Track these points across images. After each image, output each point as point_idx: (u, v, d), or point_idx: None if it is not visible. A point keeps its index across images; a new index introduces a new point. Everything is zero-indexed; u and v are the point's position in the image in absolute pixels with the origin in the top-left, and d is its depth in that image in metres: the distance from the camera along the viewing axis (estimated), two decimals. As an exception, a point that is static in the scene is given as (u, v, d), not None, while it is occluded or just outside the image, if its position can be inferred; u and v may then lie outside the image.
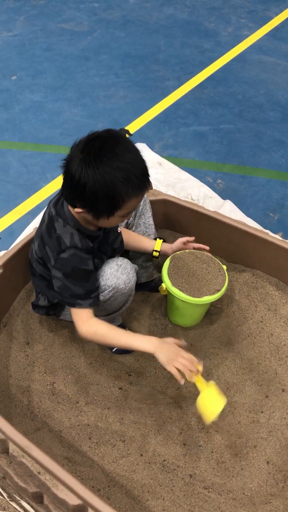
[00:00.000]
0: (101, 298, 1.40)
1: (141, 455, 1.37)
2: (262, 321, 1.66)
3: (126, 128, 2.66)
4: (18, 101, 2.85)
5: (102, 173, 1.13)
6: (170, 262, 1.58)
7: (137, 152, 1.19)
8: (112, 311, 1.48)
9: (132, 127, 2.67)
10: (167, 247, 1.63)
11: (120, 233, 1.51)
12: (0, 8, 3.70)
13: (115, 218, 1.23)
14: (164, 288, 1.54)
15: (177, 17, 3.67)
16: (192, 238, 1.62)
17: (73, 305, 1.31)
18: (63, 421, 1.44)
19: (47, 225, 1.34)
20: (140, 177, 1.18)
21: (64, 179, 1.23)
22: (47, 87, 2.96)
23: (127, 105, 2.84)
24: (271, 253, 1.68)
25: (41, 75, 3.06)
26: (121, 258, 1.43)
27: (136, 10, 3.73)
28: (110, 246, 1.45)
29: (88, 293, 1.31)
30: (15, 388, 1.50)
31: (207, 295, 1.50)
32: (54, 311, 1.56)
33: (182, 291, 1.50)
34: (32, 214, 2.17)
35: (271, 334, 1.63)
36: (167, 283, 1.53)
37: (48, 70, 3.11)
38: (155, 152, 2.44)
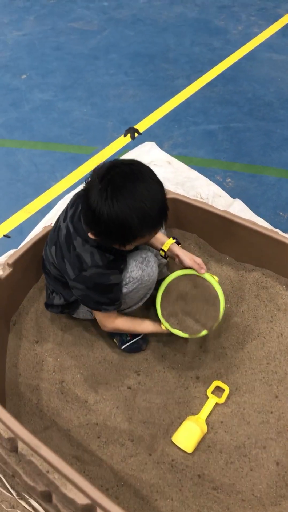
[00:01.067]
0: (124, 290, 1.41)
1: (150, 455, 1.37)
2: (271, 321, 1.65)
3: (136, 127, 2.65)
4: (28, 100, 2.85)
5: (117, 211, 1.11)
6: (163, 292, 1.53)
7: (157, 189, 1.16)
8: (132, 304, 1.49)
9: (142, 126, 2.67)
10: (179, 252, 1.52)
11: None
12: (10, 8, 3.71)
13: (125, 248, 1.24)
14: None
15: (187, 15, 3.65)
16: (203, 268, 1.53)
17: (99, 310, 1.37)
18: (72, 420, 1.44)
19: (66, 239, 1.33)
20: (155, 217, 1.16)
21: (82, 203, 1.22)
22: (57, 86, 2.97)
23: (136, 103, 2.84)
24: (281, 253, 1.67)
25: (51, 74, 3.06)
26: (145, 251, 1.44)
27: (146, 9, 3.72)
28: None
29: (113, 301, 1.36)
30: (24, 387, 1.50)
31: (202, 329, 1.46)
32: (68, 309, 1.56)
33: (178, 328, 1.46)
34: (41, 213, 2.17)
35: (281, 334, 1.62)
36: (162, 322, 1.47)
37: (58, 69, 3.11)
38: (164, 150, 2.44)
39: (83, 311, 1.55)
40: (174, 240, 1.54)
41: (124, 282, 1.39)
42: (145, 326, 1.50)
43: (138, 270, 1.39)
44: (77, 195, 1.38)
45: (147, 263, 1.41)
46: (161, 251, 1.54)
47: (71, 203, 1.39)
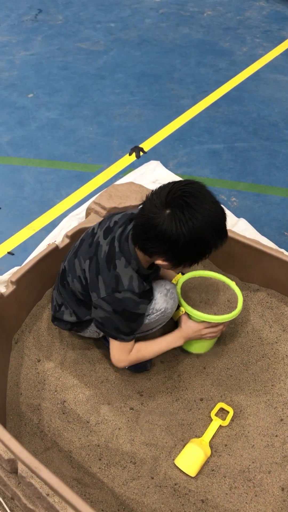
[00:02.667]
0: (146, 321, 1.41)
1: (152, 478, 1.34)
2: (277, 342, 1.63)
3: (141, 146, 2.67)
4: (35, 119, 2.88)
5: (196, 230, 1.16)
6: (181, 287, 1.57)
7: (218, 203, 1.21)
8: (147, 330, 1.49)
9: (147, 145, 2.68)
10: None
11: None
12: (19, 28, 3.77)
13: (192, 265, 1.28)
14: (182, 311, 1.50)
15: (193, 37, 3.70)
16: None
17: (115, 338, 1.35)
18: (73, 441, 1.41)
19: (108, 257, 1.32)
20: (223, 228, 1.23)
21: (143, 232, 1.22)
22: (63, 105, 3.00)
23: (142, 123, 2.86)
24: (286, 273, 1.66)
25: (57, 93, 3.10)
26: (168, 282, 1.46)
27: (152, 30, 3.77)
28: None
29: (132, 332, 1.35)
30: (25, 406, 1.48)
31: (227, 313, 1.48)
32: (77, 327, 1.54)
33: (202, 311, 1.47)
34: (46, 230, 2.17)
35: (286, 355, 1.60)
36: (186, 307, 1.48)
37: (64, 88, 3.15)
38: (169, 169, 2.45)
39: (90, 330, 1.54)
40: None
41: (147, 313, 1.40)
42: (159, 342, 1.45)
43: (163, 303, 1.41)
44: (128, 218, 1.37)
45: (171, 295, 1.43)
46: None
47: (120, 222, 1.37)
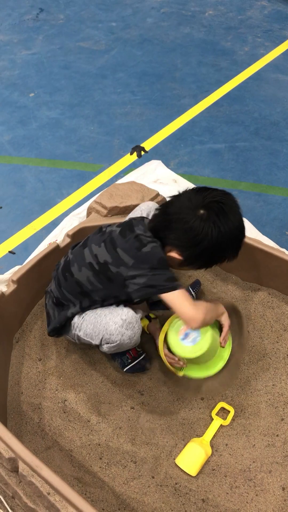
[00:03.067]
0: (105, 349, 1.38)
1: (153, 477, 1.34)
2: (277, 342, 1.63)
3: (142, 145, 2.67)
4: (36, 118, 2.88)
5: (224, 238, 1.24)
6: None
7: (243, 221, 1.30)
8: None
9: (148, 144, 2.68)
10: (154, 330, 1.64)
11: None
12: (20, 28, 3.77)
13: (197, 269, 1.35)
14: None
15: (194, 36, 3.70)
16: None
17: (175, 288, 1.26)
18: (74, 440, 1.41)
19: (122, 231, 1.35)
20: (241, 246, 1.32)
21: (169, 222, 1.28)
22: (64, 104, 3.00)
23: (143, 122, 2.86)
24: (287, 272, 1.66)
25: (59, 92, 3.10)
26: (126, 310, 1.36)
27: (153, 29, 3.77)
28: None
29: (175, 276, 1.31)
30: (26, 405, 1.48)
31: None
32: (59, 332, 1.51)
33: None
34: (47, 229, 2.17)
35: (287, 355, 1.59)
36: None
37: (66, 87, 3.15)
38: (170, 169, 2.44)
39: (69, 335, 1.49)
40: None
41: (103, 341, 1.36)
42: (215, 307, 1.40)
43: (118, 335, 1.33)
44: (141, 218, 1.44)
45: (127, 326, 1.34)
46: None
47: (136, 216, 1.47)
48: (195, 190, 1.30)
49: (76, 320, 1.43)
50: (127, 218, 1.49)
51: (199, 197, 1.26)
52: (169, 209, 1.30)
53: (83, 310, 1.43)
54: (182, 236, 1.26)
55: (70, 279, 1.42)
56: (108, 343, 1.36)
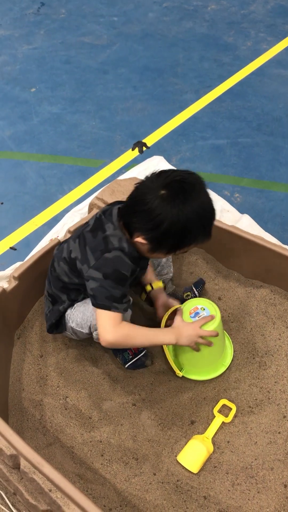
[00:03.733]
0: (95, 337, 1.41)
1: (154, 474, 1.34)
2: (279, 339, 1.63)
3: (144, 141, 2.66)
4: (37, 113, 2.87)
5: (185, 218, 1.18)
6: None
7: (212, 201, 1.24)
8: None
9: (150, 140, 2.67)
10: (160, 296, 1.59)
11: (148, 261, 1.51)
12: (21, 22, 3.75)
13: (170, 254, 1.29)
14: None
15: (196, 31, 3.68)
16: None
17: (108, 308, 1.26)
18: (76, 437, 1.41)
19: (93, 228, 1.34)
20: (210, 228, 1.25)
21: (133, 206, 1.25)
22: (66, 99, 2.98)
23: (145, 117, 2.84)
24: (289, 269, 1.65)
25: (60, 88, 3.08)
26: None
27: (155, 24, 3.75)
28: (139, 273, 1.44)
29: (123, 296, 1.29)
30: (28, 402, 1.48)
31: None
32: (57, 328, 1.53)
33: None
34: (48, 225, 2.17)
35: (289, 352, 1.59)
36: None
37: (67, 82, 3.13)
38: (172, 165, 2.43)
39: (67, 333, 1.53)
40: (151, 288, 1.61)
41: (91, 328, 1.39)
42: (149, 330, 1.35)
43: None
44: (115, 201, 1.41)
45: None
46: (143, 293, 1.64)
47: (106, 205, 1.41)
48: (158, 172, 1.24)
49: (69, 312, 1.46)
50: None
51: (161, 178, 1.21)
52: (133, 193, 1.26)
53: (73, 302, 1.46)
54: (144, 218, 1.21)
55: (54, 274, 1.46)
56: (96, 330, 1.37)
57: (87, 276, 1.30)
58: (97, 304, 1.28)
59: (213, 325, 1.42)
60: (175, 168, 1.28)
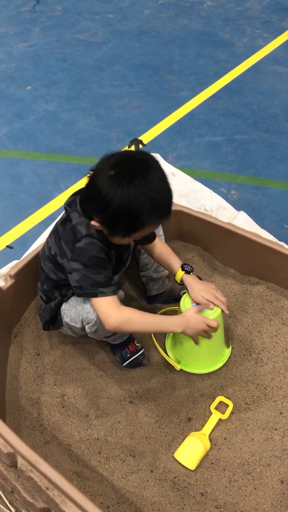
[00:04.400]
0: (88, 331, 1.39)
1: (152, 471, 1.35)
2: (276, 335, 1.63)
3: (140, 138, 2.65)
4: (33, 111, 2.86)
5: (131, 196, 1.13)
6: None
7: (167, 182, 1.20)
8: (107, 336, 1.47)
9: (146, 137, 2.67)
10: (191, 285, 1.48)
11: (130, 247, 1.49)
12: (17, 19, 3.74)
13: (129, 238, 1.24)
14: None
15: (192, 28, 3.67)
16: (219, 303, 1.45)
17: (96, 295, 1.25)
18: (73, 435, 1.41)
19: (62, 220, 1.33)
20: (165, 207, 1.19)
21: (86, 190, 1.24)
22: (62, 97, 2.97)
23: (141, 115, 2.84)
24: (286, 266, 1.65)
25: (56, 85, 3.07)
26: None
27: (151, 21, 3.74)
28: (119, 252, 1.43)
29: (109, 280, 1.27)
30: (25, 400, 1.48)
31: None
32: (53, 325, 1.52)
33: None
34: (44, 223, 2.16)
35: (286, 348, 1.59)
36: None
37: (63, 80, 3.12)
38: (168, 162, 2.43)
39: (64, 329, 1.52)
40: (183, 272, 1.51)
41: (84, 322, 1.38)
42: (157, 322, 1.33)
43: (94, 312, 1.33)
44: (79, 190, 1.38)
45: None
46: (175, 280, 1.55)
47: (71, 195, 1.38)
48: (111, 153, 1.21)
49: (64, 306, 1.46)
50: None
51: (112, 158, 1.18)
52: (90, 177, 1.23)
53: (65, 297, 1.45)
54: (94, 199, 1.19)
55: (43, 274, 1.47)
56: (88, 323, 1.36)
57: (69, 269, 1.29)
58: (84, 294, 1.27)
59: (214, 314, 1.43)
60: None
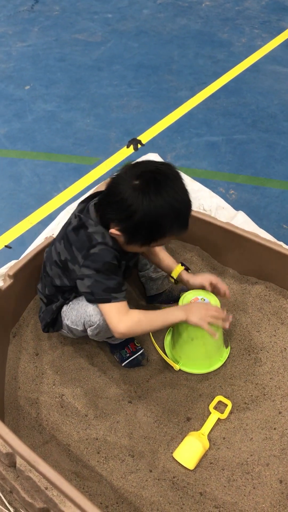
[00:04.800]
0: (90, 333, 1.39)
1: (151, 471, 1.35)
2: (275, 335, 1.63)
3: (139, 138, 2.65)
4: (31, 111, 2.86)
5: (157, 207, 1.16)
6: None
7: (188, 193, 1.22)
8: (109, 337, 1.47)
9: (145, 137, 2.67)
10: (188, 277, 1.53)
11: (138, 255, 1.51)
12: (15, 19, 3.74)
13: (146, 247, 1.27)
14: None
15: (191, 27, 3.67)
16: (221, 286, 1.50)
17: (109, 300, 1.26)
18: (72, 435, 1.41)
19: (75, 227, 1.33)
20: (186, 219, 1.23)
21: (108, 196, 1.24)
22: (60, 97, 2.97)
23: (139, 115, 2.84)
24: (284, 266, 1.65)
25: (55, 85, 3.07)
26: None
27: (150, 21, 3.74)
28: (127, 263, 1.44)
29: (120, 285, 1.29)
30: (24, 400, 1.48)
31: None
32: (53, 327, 1.53)
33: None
34: (43, 223, 2.16)
35: (284, 348, 1.59)
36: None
37: (62, 80, 3.12)
38: (167, 162, 2.43)
39: (64, 331, 1.52)
40: (183, 267, 1.55)
41: (85, 324, 1.37)
42: (162, 318, 1.35)
43: (96, 315, 1.33)
44: (91, 195, 1.39)
45: None
46: (171, 278, 1.58)
47: (81, 202, 1.39)
48: (134, 163, 1.24)
49: (64, 308, 1.46)
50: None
51: (135, 168, 1.21)
52: (108, 184, 1.25)
53: (67, 300, 1.46)
54: (117, 208, 1.20)
55: (47, 278, 1.47)
56: (90, 326, 1.36)
57: (80, 275, 1.30)
58: (96, 300, 1.28)
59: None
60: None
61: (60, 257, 1.38)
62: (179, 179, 1.22)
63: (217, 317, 1.39)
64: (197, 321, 1.34)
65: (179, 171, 1.24)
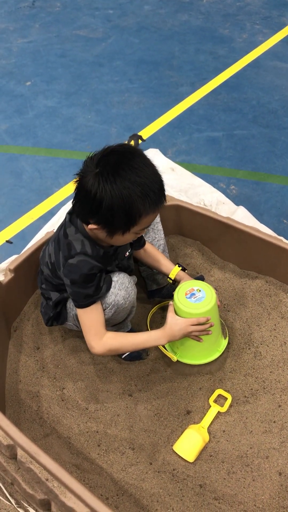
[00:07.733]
0: (106, 317, 1.38)
1: (151, 464, 1.35)
2: (275, 329, 1.64)
3: (139, 133, 2.66)
4: (32, 107, 2.86)
5: (120, 188, 1.12)
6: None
7: (153, 166, 1.18)
8: (117, 323, 1.48)
9: (145, 133, 2.67)
10: (185, 277, 1.56)
11: (131, 251, 1.49)
12: (16, 15, 3.74)
13: (130, 234, 1.23)
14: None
15: (192, 23, 3.67)
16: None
17: (92, 303, 1.30)
18: (72, 428, 1.42)
19: (63, 231, 1.33)
20: (157, 192, 1.17)
21: (77, 194, 1.21)
22: (61, 93, 2.98)
23: (140, 110, 2.84)
24: (284, 260, 1.66)
25: (56, 81, 3.07)
26: (117, 273, 1.39)
27: (151, 17, 3.74)
28: (119, 264, 1.44)
29: (98, 289, 1.30)
30: (25, 394, 1.49)
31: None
32: (57, 321, 1.53)
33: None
34: (44, 219, 2.17)
35: (284, 342, 1.60)
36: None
37: (63, 76, 3.12)
38: (168, 157, 2.43)
39: (69, 323, 1.54)
40: (180, 268, 1.57)
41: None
42: (139, 336, 1.39)
43: (111, 296, 1.34)
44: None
45: (120, 286, 1.35)
46: (168, 279, 1.59)
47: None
48: (93, 154, 1.19)
49: (70, 300, 1.47)
50: None
51: (94, 158, 1.16)
52: (77, 182, 1.20)
53: (65, 293, 1.46)
54: (86, 202, 1.17)
55: (43, 276, 1.48)
56: (105, 309, 1.36)
57: (65, 282, 1.33)
58: (79, 305, 1.31)
59: (208, 306, 1.43)
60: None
61: (51, 259, 1.40)
62: (138, 156, 1.17)
63: (199, 329, 1.40)
64: (183, 337, 1.41)
65: (138, 148, 1.20)
